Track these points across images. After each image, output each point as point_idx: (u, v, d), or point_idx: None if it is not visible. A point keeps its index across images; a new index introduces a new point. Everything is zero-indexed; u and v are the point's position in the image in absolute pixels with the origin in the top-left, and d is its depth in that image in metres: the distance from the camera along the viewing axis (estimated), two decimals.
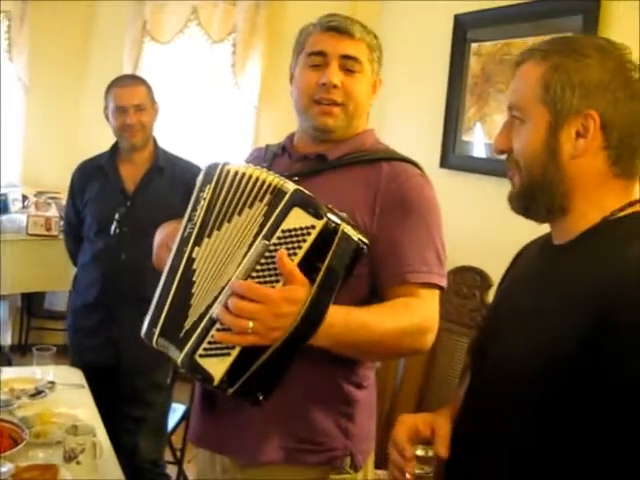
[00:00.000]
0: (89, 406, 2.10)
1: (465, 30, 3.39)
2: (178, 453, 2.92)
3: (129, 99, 2.59)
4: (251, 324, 1.15)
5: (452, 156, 3.46)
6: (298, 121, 1.54)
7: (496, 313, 1.21)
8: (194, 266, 1.30)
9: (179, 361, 1.26)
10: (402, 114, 3.86)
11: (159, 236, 1.47)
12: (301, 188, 1.24)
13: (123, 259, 2.56)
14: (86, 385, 2.27)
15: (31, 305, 4.41)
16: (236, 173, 1.31)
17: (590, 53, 1.03)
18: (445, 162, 3.48)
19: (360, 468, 1.47)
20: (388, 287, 1.38)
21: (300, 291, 1.17)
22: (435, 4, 3.59)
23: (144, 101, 2.62)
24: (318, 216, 1.18)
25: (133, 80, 2.79)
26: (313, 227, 1.18)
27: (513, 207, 1.13)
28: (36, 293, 4.27)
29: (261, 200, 1.26)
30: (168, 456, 2.89)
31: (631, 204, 1.05)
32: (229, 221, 1.29)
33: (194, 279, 1.29)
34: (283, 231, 1.19)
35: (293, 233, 1.18)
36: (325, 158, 1.47)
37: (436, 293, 1.39)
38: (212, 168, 1.36)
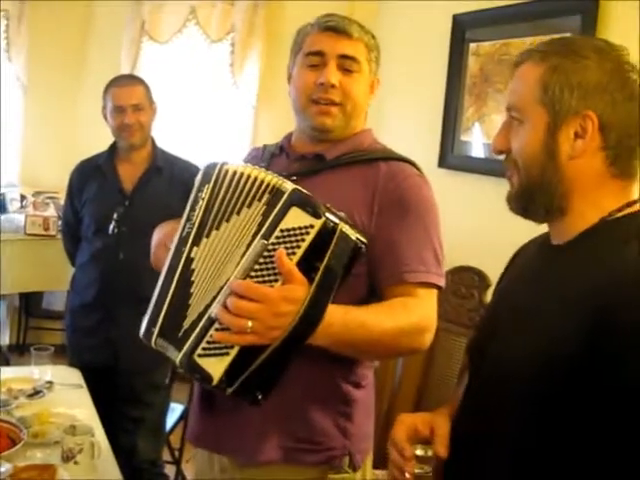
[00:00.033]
0: (87, 406, 2.10)
1: (463, 30, 3.40)
2: (176, 453, 2.92)
3: (127, 99, 2.59)
4: (250, 323, 1.15)
5: (450, 156, 3.46)
6: (296, 121, 1.54)
7: (494, 313, 1.21)
8: (193, 266, 1.30)
9: (178, 361, 1.26)
10: (400, 114, 3.86)
11: (157, 236, 1.47)
12: (299, 188, 1.24)
13: (121, 259, 2.55)
14: (84, 385, 2.27)
15: (29, 305, 4.40)
16: (234, 173, 1.31)
17: (588, 54, 1.03)
18: (443, 162, 3.48)
19: (359, 468, 1.47)
20: (386, 287, 1.39)
21: (299, 290, 1.17)
22: (433, 4, 3.59)
23: (142, 101, 2.62)
24: (317, 215, 1.18)
25: (131, 80, 2.79)
26: (312, 226, 1.18)
27: (511, 207, 1.13)
28: (34, 293, 4.27)
29: (259, 200, 1.26)
30: (166, 456, 2.89)
31: (629, 204, 1.05)
32: (228, 221, 1.29)
33: (193, 279, 1.29)
34: (282, 230, 1.19)
35: (292, 232, 1.18)
36: (323, 158, 1.47)
37: (434, 293, 1.40)
38: (210, 168, 1.36)
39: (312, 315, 1.19)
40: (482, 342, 1.18)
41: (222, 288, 1.21)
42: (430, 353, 2.45)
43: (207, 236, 1.30)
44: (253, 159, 1.57)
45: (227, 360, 1.19)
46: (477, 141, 3.32)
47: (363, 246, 1.24)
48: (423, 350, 1.38)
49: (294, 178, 1.35)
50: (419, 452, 1.18)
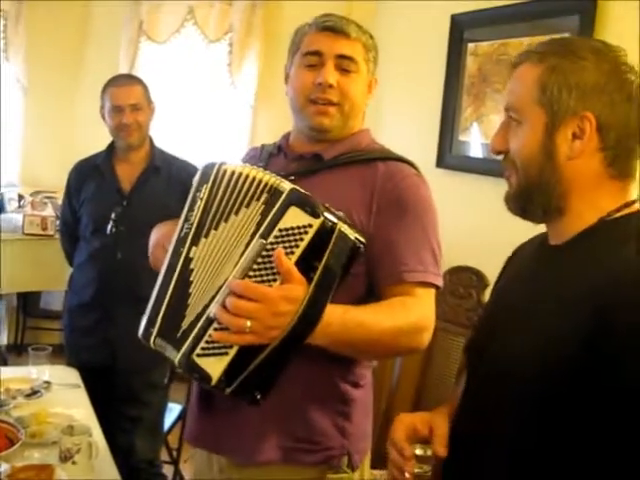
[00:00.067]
0: (85, 406, 2.10)
1: (462, 30, 3.40)
2: (174, 453, 2.92)
3: (125, 99, 2.59)
4: (249, 323, 1.15)
5: (449, 156, 3.46)
6: (294, 121, 1.54)
7: (492, 313, 1.21)
8: (191, 266, 1.30)
9: (176, 361, 1.26)
10: (399, 114, 3.86)
11: (154, 236, 1.47)
12: (298, 187, 1.24)
13: (119, 258, 2.55)
14: (82, 385, 2.27)
15: (27, 305, 4.40)
16: (233, 173, 1.31)
17: (586, 55, 1.04)
18: (442, 162, 3.49)
19: (357, 468, 1.47)
20: (384, 286, 1.39)
21: (298, 290, 1.17)
22: (431, 4, 3.59)
23: (140, 101, 2.62)
24: (315, 215, 1.19)
25: (129, 80, 2.78)
26: (310, 226, 1.18)
27: (510, 208, 1.13)
28: (32, 292, 4.26)
29: (258, 199, 1.26)
30: (164, 456, 2.88)
31: (627, 205, 1.05)
32: (226, 221, 1.29)
33: (191, 279, 1.29)
34: (280, 230, 1.19)
35: (290, 232, 1.18)
36: (321, 158, 1.47)
37: (432, 292, 1.40)
38: (209, 168, 1.36)
39: (311, 315, 1.19)
40: (480, 342, 1.18)
41: (221, 288, 1.21)
42: (428, 353, 2.45)
43: (206, 236, 1.30)
44: (251, 159, 1.57)
45: (226, 360, 1.19)
46: (475, 141, 3.32)
47: (362, 246, 1.24)
48: (421, 350, 1.39)
49: (292, 178, 1.35)
50: (418, 452, 1.18)
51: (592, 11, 2.63)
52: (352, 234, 1.22)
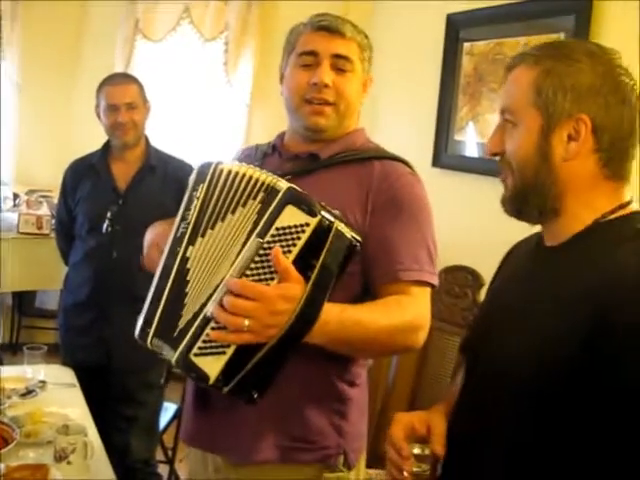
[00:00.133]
0: (80, 405, 2.09)
1: (457, 29, 3.40)
2: (170, 452, 2.92)
3: (121, 97, 2.58)
4: (246, 322, 1.15)
5: (444, 155, 3.46)
6: (289, 120, 1.54)
7: (487, 312, 1.22)
8: (188, 265, 1.30)
9: (174, 360, 1.25)
10: (395, 113, 3.87)
11: (149, 236, 1.47)
12: (294, 186, 1.24)
13: (115, 257, 2.55)
14: (77, 384, 2.26)
15: (22, 304, 4.39)
16: (229, 172, 1.31)
17: (581, 58, 1.04)
18: (437, 161, 3.49)
19: (353, 467, 1.47)
20: (380, 285, 1.39)
21: (295, 289, 1.17)
22: (427, 4, 3.60)
23: (136, 99, 2.62)
24: (312, 214, 1.19)
25: (125, 78, 2.78)
26: (307, 224, 1.18)
27: (506, 210, 1.14)
28: (27, 292, 4.25)
29: (254, 198, 1.26)
30: (160, 455, 2.88)
31: (622, 206, 1.06)
32: (223, 220, 1.29)
33: (188, 278, 1.29)
34: (277, 229, 1.19)
35: (287, 231, 1.18)
36: (317, 157, 1.47)
37: (427, 291, 1.40)
38: (205, 167, 1.35)
39: (308, 313, 1.19)
40: (476, 341, 1.18)
41: (218, 287, 1.21)
42: (424, 352, 2.46)
43: (202, 235, 1.30)
44: (246, 158, 1.57)
45: (223, 359, 1.19)
46: (471, 140, 3.33)
47: (358, 244, 1.24)
48: (417, 348, 1.39)
49: (288, 177, 1.35)
50: (417, 451, 1.18)
51: (588, 11, 2.64)
52: (348, 233, 1.22)
